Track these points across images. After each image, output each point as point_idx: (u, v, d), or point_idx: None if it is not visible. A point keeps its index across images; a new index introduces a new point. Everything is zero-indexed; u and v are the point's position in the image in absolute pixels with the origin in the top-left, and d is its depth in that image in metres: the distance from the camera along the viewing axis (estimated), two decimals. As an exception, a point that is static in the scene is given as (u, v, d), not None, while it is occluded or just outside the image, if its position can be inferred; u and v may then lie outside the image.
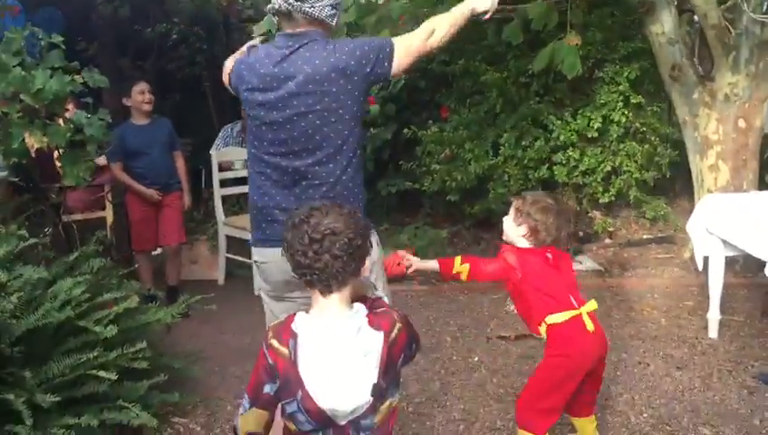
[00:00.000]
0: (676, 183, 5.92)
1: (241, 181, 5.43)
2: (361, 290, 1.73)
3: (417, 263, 2.49)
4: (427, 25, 2.23)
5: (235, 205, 5.74)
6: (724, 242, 3.68)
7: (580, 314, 2.32)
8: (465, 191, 5.32)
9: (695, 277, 4.66)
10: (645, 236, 5.72)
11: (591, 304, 2.39)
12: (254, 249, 2.28)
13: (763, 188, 4.83)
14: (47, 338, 2.78)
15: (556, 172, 5.16)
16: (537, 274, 2.38)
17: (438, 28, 2.23)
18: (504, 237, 2.55)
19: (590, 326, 2.32)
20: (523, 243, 2.45)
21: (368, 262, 1.63)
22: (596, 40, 5.05)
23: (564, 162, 5.17)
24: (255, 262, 2.29)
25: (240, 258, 5.12)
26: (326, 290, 1.57)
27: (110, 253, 4.11)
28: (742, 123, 4.71)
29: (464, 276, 2.43)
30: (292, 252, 1.56)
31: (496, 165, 5.19)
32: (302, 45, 2.09)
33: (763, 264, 3.48)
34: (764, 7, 4.67)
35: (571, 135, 5.09)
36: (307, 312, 1.62)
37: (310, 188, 2.13)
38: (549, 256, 2.42)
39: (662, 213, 5.61)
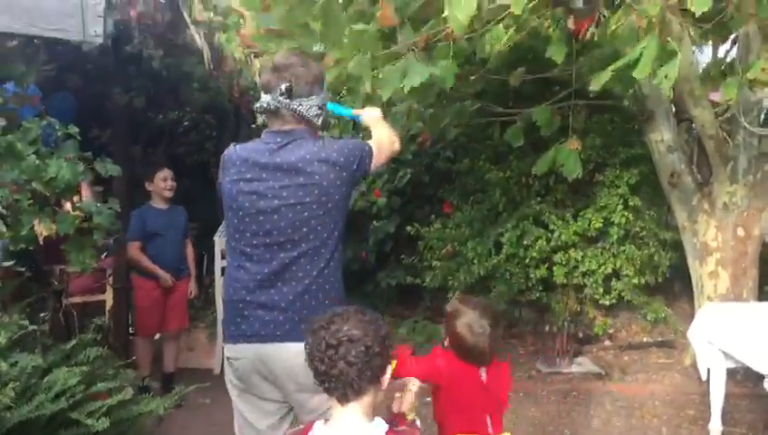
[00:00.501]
0: (675, 285, 5.93)
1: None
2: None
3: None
4: (389, 132, 2.41)
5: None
6: (725, 353, 3.66)
7: None
8: (466, 288, 5.33)
9: (696, 385, 4.60)
10: (645, 340, 5.68)
11: None
12: (226, 346, 2.22)
13: (762, 297, 4.84)
14: (38, 430, 2.74)
15: (555, 272, 5.18)
16: (461, 390, 2.28)
17: (395, 137, 2.44)
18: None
19: None
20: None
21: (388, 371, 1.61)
22: (596, 144, 5.17)
23: (564, 262, 5.20)
24: (228, 358, 2.22)
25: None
26: (343, 398, 1.55)
27: (107, 339, 4.09)
28: (741, 232, 4.77)
29: (389, 370, 2.29)
30: (311, 358, 1.56)
31: (498, 263, 5.22)
32: (290, 141, 2.15)
33: (763, 376, 3.46)
34: (761, 119, 4.79)
35: (572, 235, 5.14)
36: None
37: (293, 281, 2.11)
38: (483, 377, 2.29)
39: (662, 315, 5.60)
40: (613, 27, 2.77)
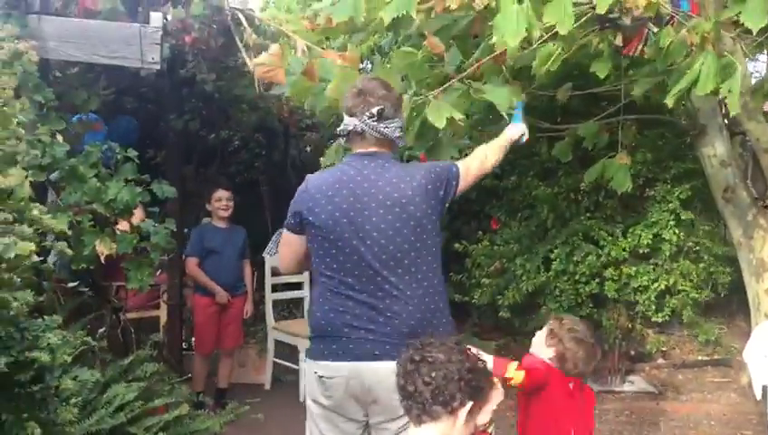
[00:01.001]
0: (732, 303, 5.79)
1: (293, 286, 5.53)
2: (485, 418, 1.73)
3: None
4: (479, 152, 2.46)
5: (284, 309, 5.82)
6: (783, 372, 3.56)
7: None
8: (515, 305, 5.31)
9: (753, 405, 4.49)
10: (700, 358, 5.56)
11: None
12: (317, 362, 2.25)
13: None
14: (99, 444, 2.84)
15: (606, 287, 5.12)
16: (553, 398, 2.37)
17: (490, 153, 2.50)
18: (531, 348, 2.57)
19: None
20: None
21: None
22: (647, 159, 5.11)
23: (616, 278, 5.13)
24: (320, 377, 2.23)
25: (288, 364, 5.14)
26: (417, 420, 1.57)
27: (161, 355, 4.20)
28: (798, 247, 4.64)
29: (514, 382, 2.32)
30: (397, 373, 1.60)
31: (547, 280, 5.18)
32: (377, 165, 2.22)
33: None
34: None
35: (623, 251, 5.08)
36: None
37: (395, 305, 2.14)
38: (570, 385, 2.41)
39: (719, 331, 5.48)
40: (666, 44, 2.74)
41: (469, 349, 1.67)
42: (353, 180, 2.21)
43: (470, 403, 1.61)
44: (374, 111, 2.20)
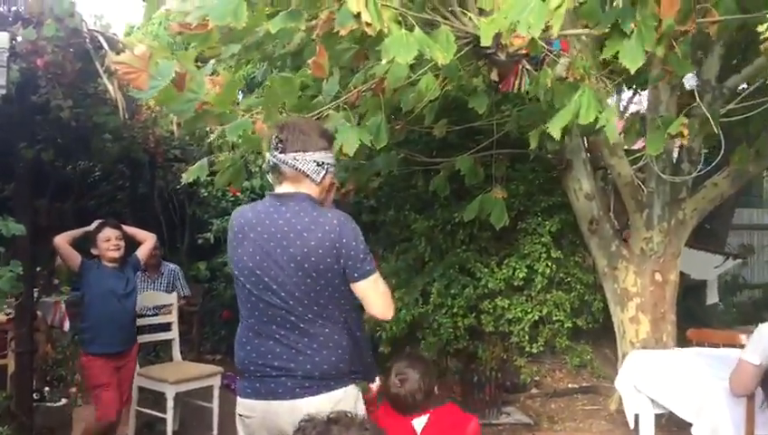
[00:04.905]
0: (597, 330, 6.02)
1: (156, 328, 5.14)
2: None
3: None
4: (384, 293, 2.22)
5: (150, 353, 5.42)
6: (653, 400, 3.68)
7: None
8: (394, 339, 5.24)
9: (622, 432, 4.64)
10: (570, 386, 5.72)
11: None
12: (239, 400, 2.21)
13: (682, 340, 4.95)
14: None
15: (483, 321, 5.17)
16: None
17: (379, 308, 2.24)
18: None
19: None
20: None
21: None
22: (519, 192, 5.24)
23: (491, 310, 5.19)
24: (240, 415, 2.21)
25: (153, 412, 4.73)
26: None
27: (8, 411, 3.75)
28: (658, 277, 4.88)
29: None
30: None
31: (426, 313, 5.16)
32: (288, 209, 2.11)
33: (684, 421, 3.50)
34: (673, 165, 4.96)
35: (499, 283, 5.15)
36: None
37: (308, 348, 2.09)
38: (417, 428, 2.38)
39: (588, 357, 5.68)
40: (547, 82, 2.79)
41: (369, 422, 1.53)
42: (261, 223, 2.13)
43: None
44: (273, 141, 2.13)
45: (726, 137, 3.81)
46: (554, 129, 2.74)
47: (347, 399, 2.11)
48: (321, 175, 2.16)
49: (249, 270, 2.13)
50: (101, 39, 3.95)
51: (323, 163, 2.16)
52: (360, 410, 2.15)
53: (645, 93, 5.51)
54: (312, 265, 2.07)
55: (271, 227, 2.11)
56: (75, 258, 4.02)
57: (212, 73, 3.27)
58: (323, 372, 2.09)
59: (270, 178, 2.23)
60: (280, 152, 2.12)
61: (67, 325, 5.40)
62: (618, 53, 2.50)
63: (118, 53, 3.80)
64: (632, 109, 6.64)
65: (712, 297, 7.10)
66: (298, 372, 2.09)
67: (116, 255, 4.11)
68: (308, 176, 2.13)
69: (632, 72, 2.50)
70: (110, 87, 3.83)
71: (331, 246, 2.07)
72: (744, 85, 4.64)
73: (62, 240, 4.01)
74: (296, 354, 2.09)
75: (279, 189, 2.18)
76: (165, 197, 7.32)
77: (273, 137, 2.15)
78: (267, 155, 2.18)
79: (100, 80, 3.99)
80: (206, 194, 7.09)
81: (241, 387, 2.22)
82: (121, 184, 7.12)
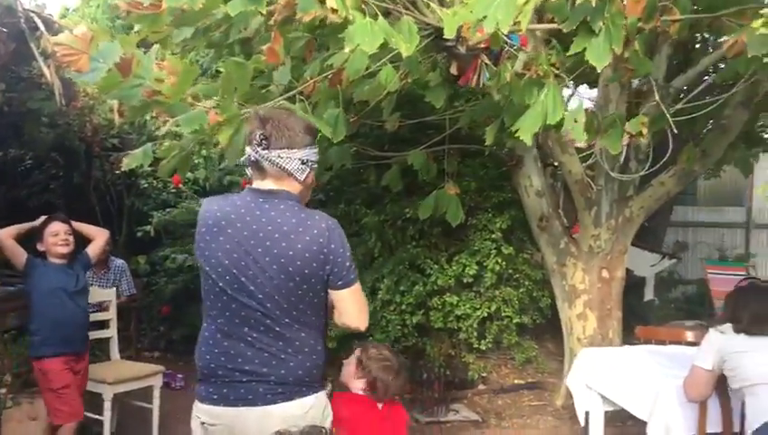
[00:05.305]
0: (541, 326, 6.06)
1: (93, 325, 4.87)
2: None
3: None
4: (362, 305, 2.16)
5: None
6: (603, 397, 3.70)
7: None
8: (343, 338, 5.13)
9: (569, 428, 4.68)
10: (516, 381, 5.74)
11: None
12: (200, 406, 2.07)
13: (626, 336, 5.02)
14: None
15: (432, 318, 5.13)
16: (366, 427, 2.48)
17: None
18: (341, 378, 2.62)
19: None
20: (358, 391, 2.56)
21: None
22: (470, 188, 5.21)
23: (440, 307, 5.16)
24: (202, 422, 2.06)
25: (90, 415, 4.47)
26: None
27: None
28: (605, 274, 4.94)
29: None
30: None
31: (374, 310, 5.08)
32: (272, 207, 2.00)
33: (629, 415, 3.54)
34: (621, 163, 5.01)
35: (448, 279, 5.12)
36: None
37: (283, 353, 1.99)
38: (380, 406, 2.55)
39: (533, 354, 5.71)
40: (506, 77, 2.73)
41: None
42: (242, 219, 2.00)
43: None
44: (257, 137, 1.99)
45: (673, 136, 3.87)
46: (525, 132, 2.68)
47: (318, 405, 2.04)
48: (306, 173, 2.06)
49: (224, 268, 1.99)
50: (37, 19, 3.71)
51: (308, 161, 2.06)
52: (328, 417, 2.07)
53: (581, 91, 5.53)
54: (297, 269, 1.96)
55: (252, 224, 1.99)
56: (21, 255, 3.77)
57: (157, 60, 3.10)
58: (297, 378, 2.00)
59: (248, 172, 2.10)
60: (263, 149, 1.99)
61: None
62: (584, 50, 2.46)
63: (55, 35, 3.60)
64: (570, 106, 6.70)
65: (648, 294, 7.28)
66: (271, 377, 1.98)
67: (65, 250, 3.85)
68: (291, 174, 2.03)
69: (598, 70, 2.46)
70: (45, 70, 3.61)
71: (319, 250, 1.97)
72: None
73: (6, 235, 3.75)
74: (269, 358, 1.98)
75: (260, 185, 2.06)
76: (102, 188, 7.02)
77: (256, 132, 2.01)
78: (248, 149, 2.04)
79: (35, 63, 3.76)
80: (145, 185, 6.83)
81: (204, 392, 2.06)
82: (55, 173, 6.78)
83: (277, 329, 1.98)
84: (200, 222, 2.07)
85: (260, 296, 1.97)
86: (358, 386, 2.54)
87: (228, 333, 2.02)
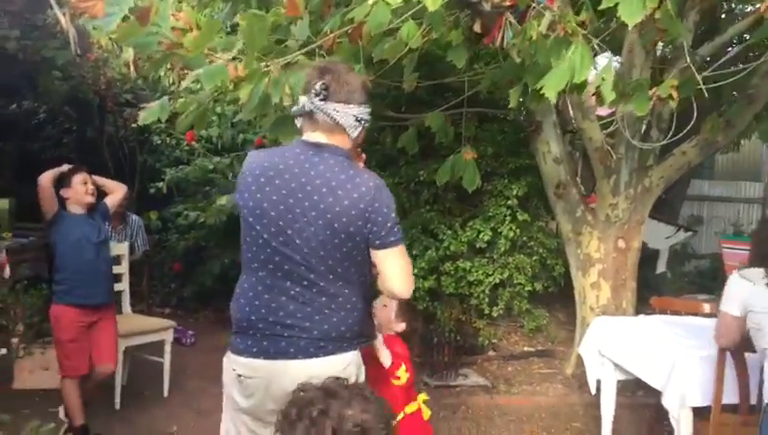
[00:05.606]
0: (552, 294, 6.02)
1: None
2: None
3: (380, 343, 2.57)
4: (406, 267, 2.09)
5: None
6: (616, 366, 3.67)
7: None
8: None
9: (578, 396, 4.66)
10: (526, 349, 5.73)
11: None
12: (237, 359, 2.05)
13: (640, 307, 4.98)
14: None
15: (444, 283, 5.10)
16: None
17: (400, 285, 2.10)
18: (376, 320, 2.49)
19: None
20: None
21: None
22: (487, 153, 5.13)
23: (452, 272, 5.12)
24: (239, 375, 2.04)
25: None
26: None
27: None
28: (621, 243, 4.88)
29: (398, 383, 2.64)
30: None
31: (387, 274, 5.04)
32: (322, 160, 1.97)
33: (640, 383, 3.51)
34: (642, 132, 4.91)
35: (461, 245, 5.07)
36: None
37: (326, 308, 1.99)
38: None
39: (544, 322, 5.68)
40: (531, 34, 2.64)
41: (365, 388, 1.41)
42: (290, 171, 1.98)
43: None
44: (317, 87, 1.94)
45: (696, 106, 3.77)
46: (550, 89, 2.59)
47: (356, 362, 2.04)
48: (358, 130, 2.02)
49: (269, 219, 1.97)
50: (53, -35, 3.63)
51: (362, 120, 2.01)
52: (362, 374, 2.06)
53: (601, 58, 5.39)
54: (343, 226, 1.93)
55: (301, 176, 1.96)
56: (55, 204, 3.77)
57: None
58: (340, 334, 1.99)
59: (298, 122, 2.06)
60: (321, 100, 1.94)
61: (7, 272, 5.12)
62: (616, 5, 2.36)
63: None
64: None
65: (660, 266, 7.21)
66: (314, 331, 1.97)
67: (92, 200, 3.89)
68: (344, 130, 1.98)
69: (630, 27, 2.37)
70: (61, 18, 3.53)
71: (365, 208, 1.93)
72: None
73: (47, 180, 3.75)
74: (312, 313, 1.97)
75: (310, 137, 2.02)
76: (114, 143, 6.99)
77: (315, 81, 1.96)
78: (303, 99, 1.99)
79: (50, 11, 3.69)
80: (158, 142, 6.78)
81: (242, 345, 2.05)
82: (68, 127, 6.75)
83: (321, 284, 1.97)
84: (245, 172, 2.04)
85: (305, 251, 1.95)
86: (397, 329, 2.82)
87: (270, 286, 2.00)
